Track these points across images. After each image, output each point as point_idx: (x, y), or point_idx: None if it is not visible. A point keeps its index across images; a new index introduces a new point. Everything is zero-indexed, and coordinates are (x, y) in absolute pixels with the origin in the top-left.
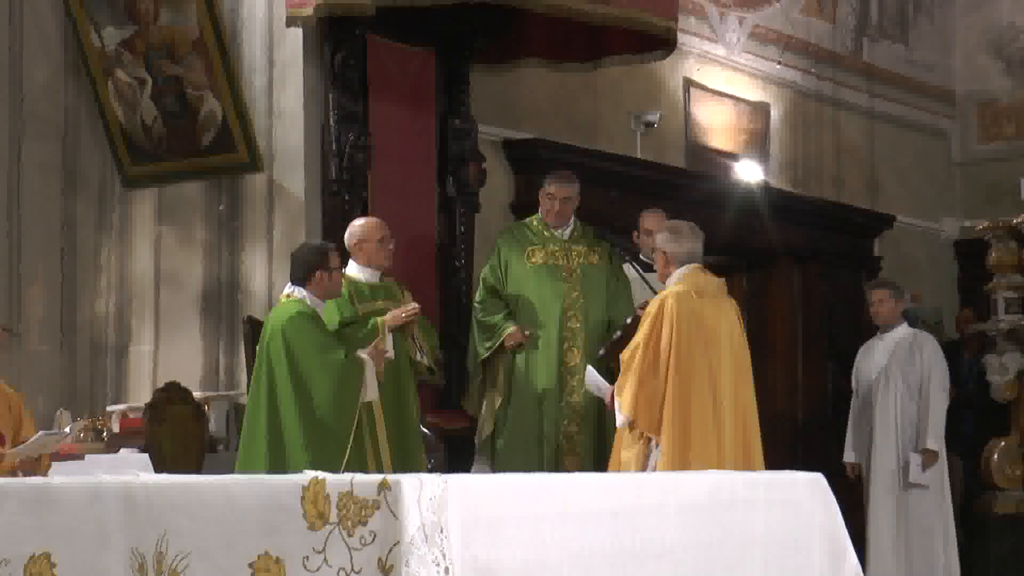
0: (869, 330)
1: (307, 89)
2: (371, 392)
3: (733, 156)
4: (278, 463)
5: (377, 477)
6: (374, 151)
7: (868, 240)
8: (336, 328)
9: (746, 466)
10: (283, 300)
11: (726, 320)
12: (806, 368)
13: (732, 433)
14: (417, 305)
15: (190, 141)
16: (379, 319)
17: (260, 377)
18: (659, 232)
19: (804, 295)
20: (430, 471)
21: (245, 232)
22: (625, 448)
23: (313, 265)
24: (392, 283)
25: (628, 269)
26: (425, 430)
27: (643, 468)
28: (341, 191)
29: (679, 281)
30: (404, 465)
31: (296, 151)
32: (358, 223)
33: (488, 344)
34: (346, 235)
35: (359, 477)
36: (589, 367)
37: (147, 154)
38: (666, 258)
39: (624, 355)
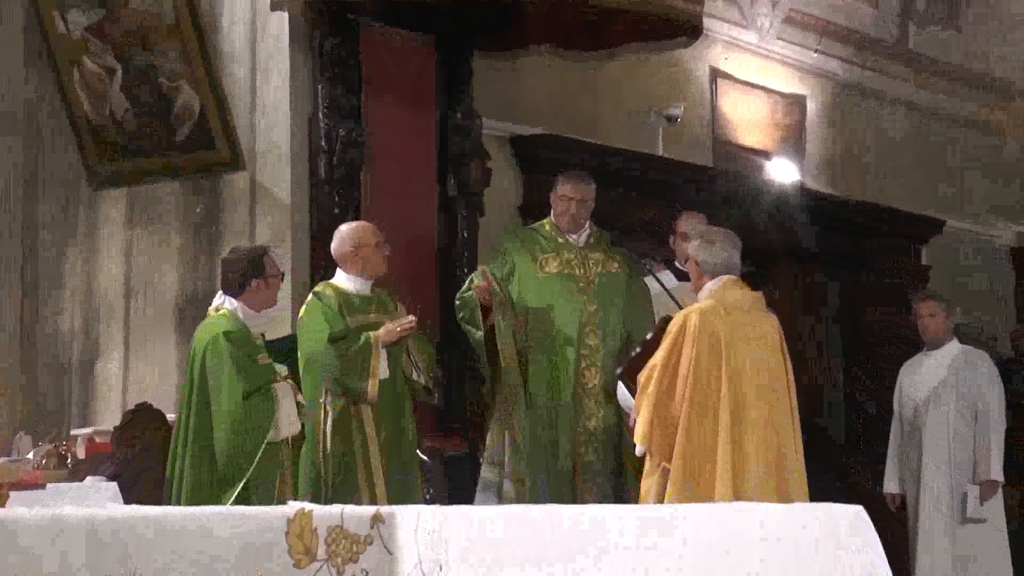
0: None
1: (294, 79)
2: (285, 428)
3: (765, 154)
4: (197, 498)
5: (370, 509)
6: (368, 147)
7: (915, 247)
8: (325, 343)
9: (781, 496)
10: (211, 313)
11: (758, 338)
12: (807, 369)
13: (759, 461)
14: (414, 318)
15: (164, 136)
16: (372, 334)
17: (183, 401)
18: (692, 239)
19: (846, 301)
20: (428, 501)
21: (225, 237)
22: (645, 477)
23: (248, 273)
24: (384, 293)
25: (650, 281)
26: (422, 456)
27: (661, 501)
28: (332, 192)
29: (709, 295)
30: (403, 496)
31: (282, 147)
32: (348, 228)
33: (475, 320)
34: (335, 243)
35: (350, 509)
36: (620, 385)
37: (117, 151)
38: (698, 269)
39: (641, 376)
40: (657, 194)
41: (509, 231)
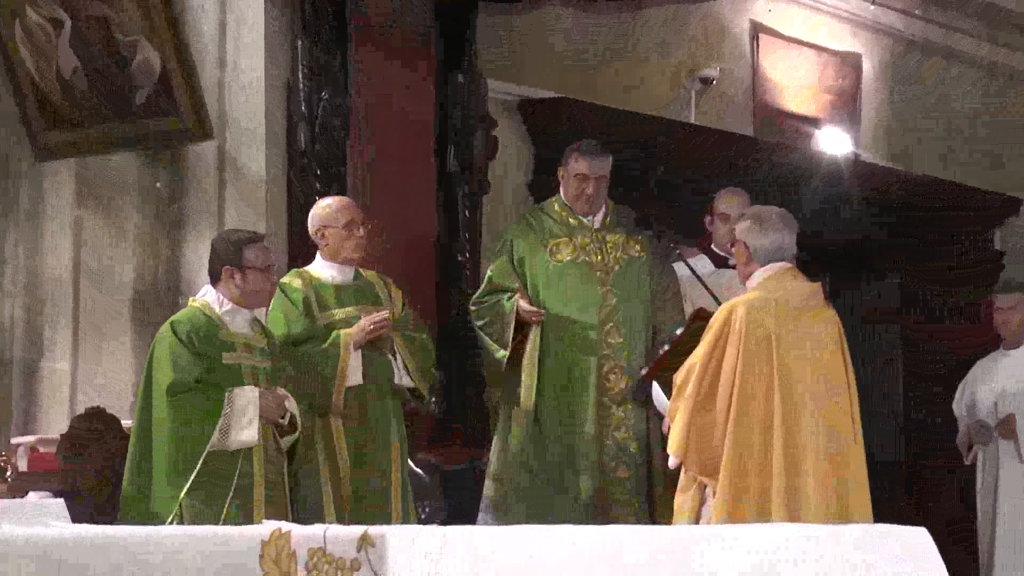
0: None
1: (269, 35)
2: (239, 436)
3: (814, 122)
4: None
5: (357, 530)
6: (355, 115)
7: (987, 229)
8: (281, 348)
9: (841, 516)
10: (189, 303)
11: (814, 336)
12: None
13: (816, 477)
14: (386, 313)
15: (119, 100)
16: (343, 333)
17: (138, 403)
18: (740, 220)
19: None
20: (423, 522)
21: (189, 218)
22: (679, 491)
23: (223, 259)
24: (374, 281)
25: (679, 267)
26: (418, 470)
27: (697, 519)
28: (312, 166)
29: (758, 286)
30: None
31: (255, 114)
32: (322, 204)
33: (503, 338)
34: (309, 222)
35: (334, 530)
36: (655, 385)
37: (64, 117)
38: (747, 253)
39: (677, 377)
40: (716, 168)
41: (515, 222)
